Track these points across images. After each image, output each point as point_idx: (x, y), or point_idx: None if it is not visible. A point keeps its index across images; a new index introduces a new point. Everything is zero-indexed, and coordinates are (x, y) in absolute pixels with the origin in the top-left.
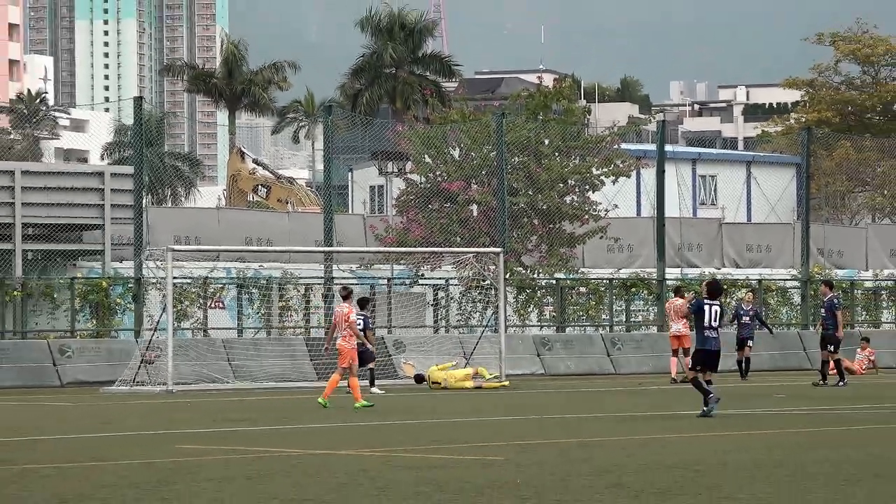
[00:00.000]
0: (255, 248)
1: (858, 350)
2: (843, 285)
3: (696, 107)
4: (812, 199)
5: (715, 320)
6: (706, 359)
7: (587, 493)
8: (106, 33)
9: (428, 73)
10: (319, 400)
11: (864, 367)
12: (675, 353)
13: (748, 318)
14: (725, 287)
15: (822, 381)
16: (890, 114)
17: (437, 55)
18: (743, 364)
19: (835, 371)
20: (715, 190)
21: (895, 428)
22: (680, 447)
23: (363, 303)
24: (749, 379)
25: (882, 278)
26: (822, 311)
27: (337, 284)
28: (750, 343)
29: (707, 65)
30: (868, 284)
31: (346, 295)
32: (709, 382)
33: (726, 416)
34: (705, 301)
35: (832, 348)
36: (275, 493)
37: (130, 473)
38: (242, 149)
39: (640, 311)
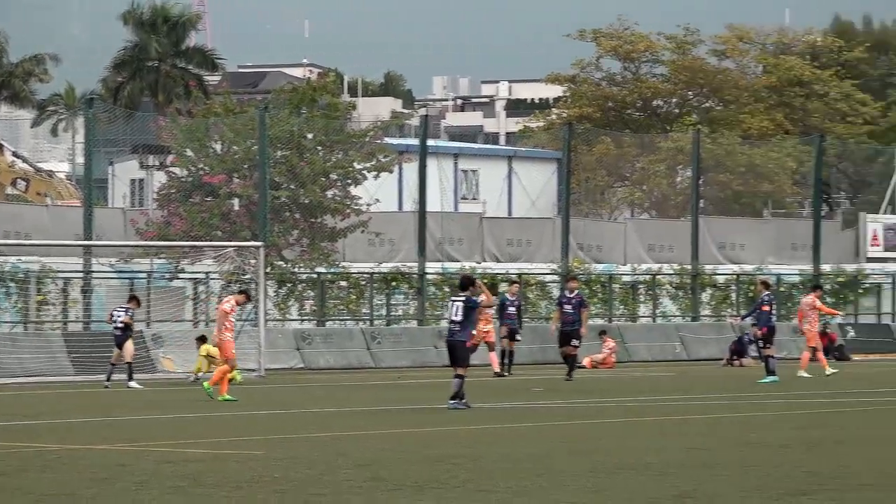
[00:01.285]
0: (11, 241)
1: (602, 344)
2: (602, 279)
3: (459, 102)
4: (572, 193)
5: (457, 314)
6: (449, 352)
7: (346, 486)
8: None
9: (191, 67)
10: (205, 385)
11: (601, 360)
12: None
13: (514, 309)
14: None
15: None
16: (649, 110)
17: (201, 48)
18: (507, 357)
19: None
20: (476, 184)
21: (649, 421)
22: (438, 440)
23: None
24: (510, 372)
25: (640, 272)
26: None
27: (95, 279)
28: (518, 336)
29: (470, 60)
30: (626, 279)
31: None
32: (458, 376)
33: (483, 410)
34: (451, 298)
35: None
36: (32, 489)
37: None
38: (1, 141)
39: (400, 305)
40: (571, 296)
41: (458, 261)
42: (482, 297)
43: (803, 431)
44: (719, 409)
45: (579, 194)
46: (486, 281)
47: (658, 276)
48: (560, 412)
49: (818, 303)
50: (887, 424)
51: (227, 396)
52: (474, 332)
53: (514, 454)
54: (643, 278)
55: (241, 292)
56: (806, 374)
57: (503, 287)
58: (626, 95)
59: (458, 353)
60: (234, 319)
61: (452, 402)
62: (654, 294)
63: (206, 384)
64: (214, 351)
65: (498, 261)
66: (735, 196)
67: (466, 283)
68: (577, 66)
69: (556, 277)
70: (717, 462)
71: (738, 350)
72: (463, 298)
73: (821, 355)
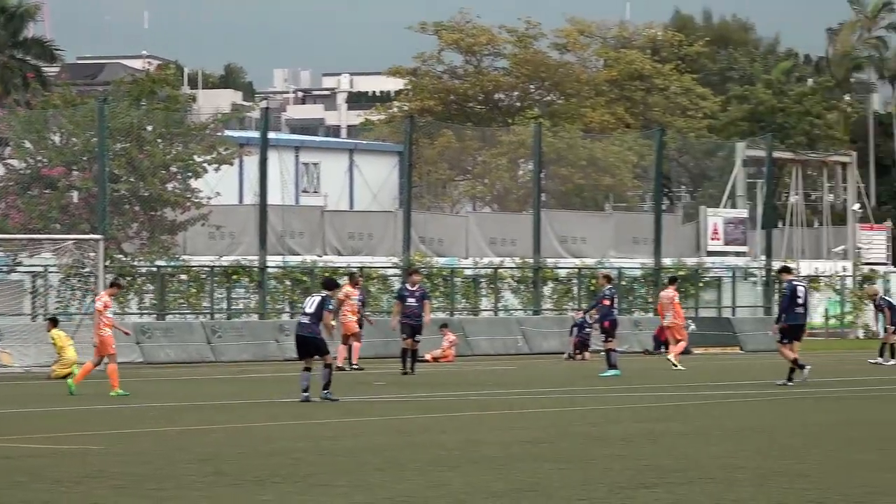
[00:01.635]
0: None
1: (443, 337)
2: (444, 273)
3: (300, 94)
4: (414, 187)
5: (311, 307)
6: (300, 345)
7: (187, 481)
8: None
9: (29, 58)
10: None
11: (441, 354)
12: (344, 339)
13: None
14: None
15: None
16: (491, 103)
17: (39, 39)
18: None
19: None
20: (318, 178)
21: (491, 415)
22: (280, 435)
23: None
24: (352, 367)
25: (481, 266)
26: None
27: None
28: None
29: (311, 52)
30: (468, 272)
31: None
32: (327, 366)
33: (327, 404)
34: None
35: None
36: None
37: None
38: None
39: (241, 298)
40: (413, 289)
41: (299, 254)
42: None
43: (645, 425)
44: (561, 403)
45: (421, 188)
46: (327, 274)
47: (500, 270)
48: (402, 406)
49: (676, 298)
50: (729, 418)
51: (120, 391)
52: (334, 323)
53: (356, 448)
54: (485, 272)
55: (112, 284)
56: (681, 367)
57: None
58: (468, 89)
59: (317, 345)
60: (110, 315)
61: (326, 392)
62: (495, 288)
63: (70, 382)
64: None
65: (339, 254)
66: (576, 190)
67: (331, 285)
68: (419, 59)
69: (397, 271)
70: (558, 456)
71: (581, 343)
72: (322, 295)
73: (676, 348)
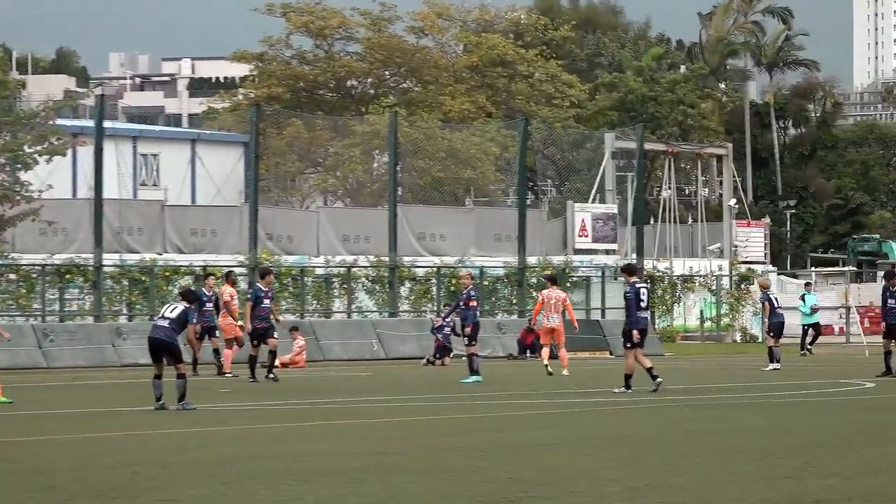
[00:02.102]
0: None
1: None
2: (293, 272)
3: (138, 80)
4: (261, 180)
5: (172, 312)
6: (155, 350)
7: (18, 497)
8: None
9: None
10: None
11: (290, 359)
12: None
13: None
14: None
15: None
16: (343, 90)
17: None
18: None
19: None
20: (157, 170)
21: (342, 424)
22: (120, 446)
23: None
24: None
25: (334, 265)
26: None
27: None
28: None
29: (150, 35)
30: (319, 271)
31: None
32: (180, 376)
33: (170, 413)
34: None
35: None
36: None
37: None
38: None
39: (75, 299)
40: (267, 289)
41: (137, 252)
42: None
43: (506, 434)
44: (418, 412)
45: (268, 180)
46: (168, 273)
47: (353, 269)
48: (250, 415)
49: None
50: (599, 426)
51: (3, 399)
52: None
53: (202, 460)
54: (337, 271)
55: None
56: (566, 372)
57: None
58: (319, 75)
59: (171, 351)
60: None
61: (182, 403)
62: (349, 288)
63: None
64: None
65: (181, 252)
66: (435, 183)
67: (192, 297)
68: (266, 42)
69: (244, 270)
70: (414, 467)
71: (442, 348)
72: (185, 306)
73: (546, 352)
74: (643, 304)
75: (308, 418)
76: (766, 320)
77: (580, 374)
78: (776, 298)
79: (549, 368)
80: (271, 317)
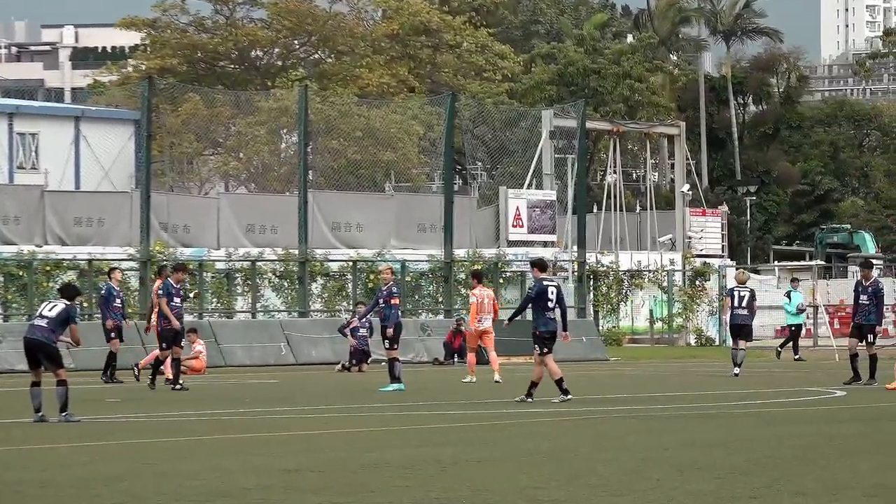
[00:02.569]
0: None
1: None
2: (191, 267)
3: (15, 50)
4: (154, 162)
5: (51, 311)
6: (33, 351)
7: None
8: None
9: None
10: None
11: (194, 362)
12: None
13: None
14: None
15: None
16: (247, 62)
17: None
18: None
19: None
20: (36, 151)
21: (251, 437)
22: None
23: None
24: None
25: (237, 258)
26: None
27: None
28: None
29: (27, 0)
30: (220, 266)
31: None
32: (61, 383)
33: (52, 426)
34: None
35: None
36: None
37: None
38: None
39: None
40: (178, 286)
41: (14, 243)
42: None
43: (434, 449)
44: (332, 424)
45: (163, 163)
46: (49, 268)
47: (259, 263)
48: (142, 428)
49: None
50: (535, 440)
51: None
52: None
53: (87, 477)
54: (241, 265)
55: None
56: (498, 378)
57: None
58: (219, 44)
59: (49, 353)
60: None
61: (64, 414)
62: (253, 284)
63: None
64: None
65: (63, 243)
66: (351, 167)
67: (73, 293)
68: (158, 8)
69: (134, 264)
70: (328, 487)
71: (360, 352)
72: (65, 304)
73: (473, 359)
74: (550, 304)
75: (207, 431)
76: (725, 318)
77: (513, 380)
78: (745, 296)
79: (473, 379)
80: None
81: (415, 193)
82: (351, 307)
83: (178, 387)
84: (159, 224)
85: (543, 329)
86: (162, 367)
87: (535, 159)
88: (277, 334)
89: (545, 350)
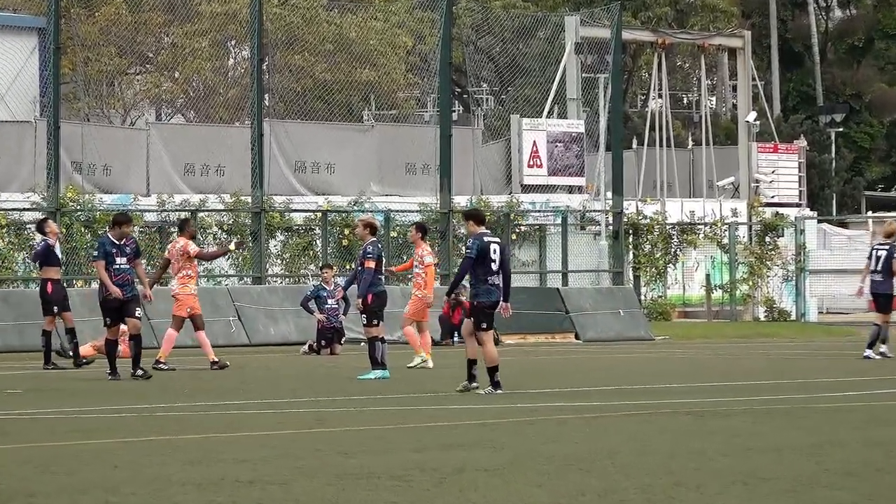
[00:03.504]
0: None
1: None
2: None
3: None
4: (64, 83)
5: None
6: None
7: None
8: None
9: None
10: None
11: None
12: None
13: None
14: None
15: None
16: None
17: None
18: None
19: None
20: None
21: (196, 438)
22: None
23: None
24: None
25: (172, 207)
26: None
27: None
28: None
29: None
30: (150, 218)
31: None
32: None
33: None
34: None
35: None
36: None
37: None
38: None
39: None
40: (121, 243)
41: None
42: None
43: (427, 454)
44: (297, 421)
45: (76, 84)
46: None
47: (201, 214)
48: (50, 426)
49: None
50: (552, 441)
51: None
52: None
53: None
54: (177, 217)
55: None
56: (429, 364)
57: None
58: None
59: None
60: None
61: None
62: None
63: None
64: None
65: None
66: (319, 89)
67: None
68: None
69: (39, 215)
70: (293, 502)
71: (332, 331)
72: None
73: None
74: (493, 267)
75: (136, 430)
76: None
77: (526, 367)
78: (882, 255)
79: (425, 359)
80: (134, 283)
81: (402, 124)
82: (320, 272)
83: (139, 372)
84: (71, 164)
85: (485, 299)
86: (121, 350)
87: (557, 80)
88: (226, 307)
89: (485, 325)
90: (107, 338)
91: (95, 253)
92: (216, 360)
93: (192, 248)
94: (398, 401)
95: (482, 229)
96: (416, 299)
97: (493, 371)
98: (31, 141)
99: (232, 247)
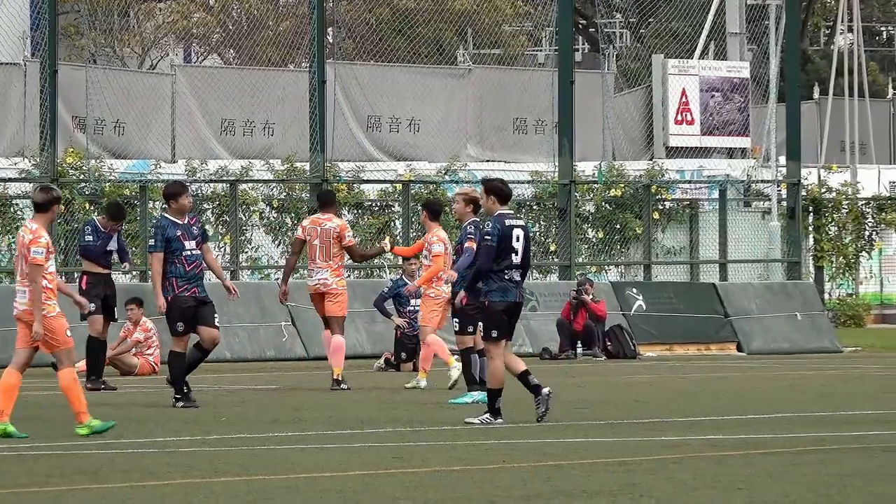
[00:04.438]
0: None
1: None
2: (127, 191)
3: None
4: (63, 13)
5: None
6: None
7: None
8: None
9: None
10: None
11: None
12: None
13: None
14: None
15: None
16: None
17: None
18: None
19: None
20: None
21: (199, 483)
22: None
23: None
24: None
25: (205, 178)
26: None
27: None
28: None
29: None
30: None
31: None
32: None
33: None
34: None
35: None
36: None
37: None
38: None
39: None
40: (184, 223)
41: None
42: None
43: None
44: (368, 460)
45: (78, 17)
46: None
47: (243, 187)
48: (38, 465)
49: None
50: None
51: None
52: None
53: None
54: (212, 190)
55: None
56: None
57: None
58: None
59: None
60: None
61: None
62: (234, 222)
63: None
64: None
65: None
66: (399, 22)
67: None
68: None
69: (29, 186)
70: None
71: (415, 341)
72: None
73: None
74: (515, 260)
75: (156, 471)
76: None
77: (676, 385)
78: None
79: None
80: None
81: (507, 68)
82: (391, 264)
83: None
84: (73, 119)
85: (499, 299)
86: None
87: (714, 8)
88: (275, 309)
89: (496, 334)
90: (173, 349)
91: (152, 242)
92: (339, 377)
93: (349, 233)
94: (498, 432)
95: (505, 208)
96: (427, 298)
97: (494, 395)
98: (20, 89)
99: (387, 247)
